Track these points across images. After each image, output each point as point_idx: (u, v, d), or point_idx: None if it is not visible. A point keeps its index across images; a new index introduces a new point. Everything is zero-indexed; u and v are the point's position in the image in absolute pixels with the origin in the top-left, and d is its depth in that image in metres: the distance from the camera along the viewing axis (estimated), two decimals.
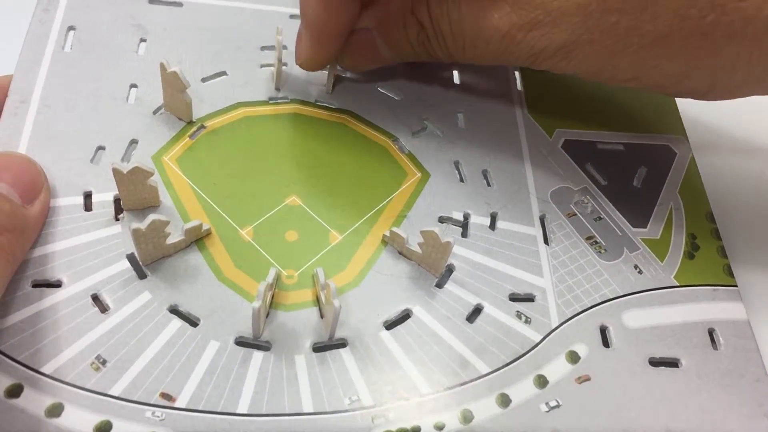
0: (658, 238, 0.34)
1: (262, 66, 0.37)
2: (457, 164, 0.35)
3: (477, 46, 0.32)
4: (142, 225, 0.28)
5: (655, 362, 0.30)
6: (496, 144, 0.36)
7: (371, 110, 0.37)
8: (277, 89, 0.36)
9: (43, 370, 0.27)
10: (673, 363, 0.30)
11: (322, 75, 0.37)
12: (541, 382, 0.29)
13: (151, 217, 0.28)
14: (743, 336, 0.31)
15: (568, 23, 0.29)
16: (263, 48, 0.37)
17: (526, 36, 0.30)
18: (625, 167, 0.37)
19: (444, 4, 0.32)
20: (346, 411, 0.28)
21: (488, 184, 0.35)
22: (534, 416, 0.28)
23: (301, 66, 0.35)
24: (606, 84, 0.32)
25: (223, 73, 0.36)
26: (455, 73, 0.39)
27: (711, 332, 0.32)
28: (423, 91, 0.38)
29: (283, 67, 0.37)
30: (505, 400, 0.29)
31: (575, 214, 0.34)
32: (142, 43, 0.36)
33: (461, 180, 0.35)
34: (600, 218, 0.34)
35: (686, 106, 0.39)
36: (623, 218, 0.35)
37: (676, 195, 0.36)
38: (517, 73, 0.40)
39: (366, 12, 0.34)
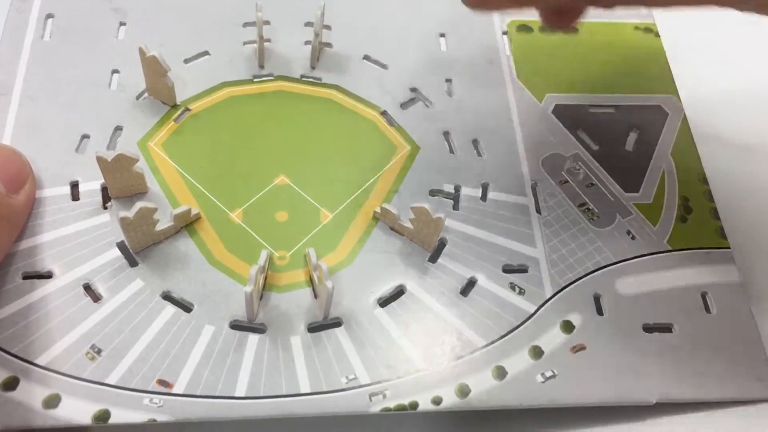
0: (651, 202, 0.34)
1: (245, 43, 0.36)
2: (447, 135, 0.35)
3: None
4: (130, 213, 0.28)
5: (648, 328, 0.30)
6: (486, 112, 0.36)
7: (358, 83, 0.36)
8: (261, 66, 0.36)
9: (38, 361, 0.27)
10: (666, 328, 0.31)
11: (306, 49, 0.36)
12: (537, 352, 0.29)
13: (139, 204, 0.28)
14: (736, 299, 0.31)
15: None
16: (245, 24, 0.37)
17: None
18: (617, 131, 0.36)
19: None
20: (343, 390, 0.28)
21: (479, 154, 0.34)
22: (530, 387, 0.28)
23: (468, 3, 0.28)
24: None
25: (206, 53, 0.36)
26: (442, 41, 0.38)
27: (704, 296, 0.31)
28: (411, 60, 0.37)
29: (266, 44, 0.36)
30: (501, 373, 0.29)
31: (567, 182, 0.34)
32: (122, 27, 0.36)
33: (451, 151, 0.34)
34: (592, 184, 0.34)
35: (677, 65, 0.39)
36: (615, 183, 0.34)
37: (669, 157, 0.36)
38: (505, 38, 0.39)
39: None
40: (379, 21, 0.38)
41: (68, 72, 0.34)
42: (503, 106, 0.36)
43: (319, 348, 0.28)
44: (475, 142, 0.35)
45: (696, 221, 0.34)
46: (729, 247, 0.33)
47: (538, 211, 0.33)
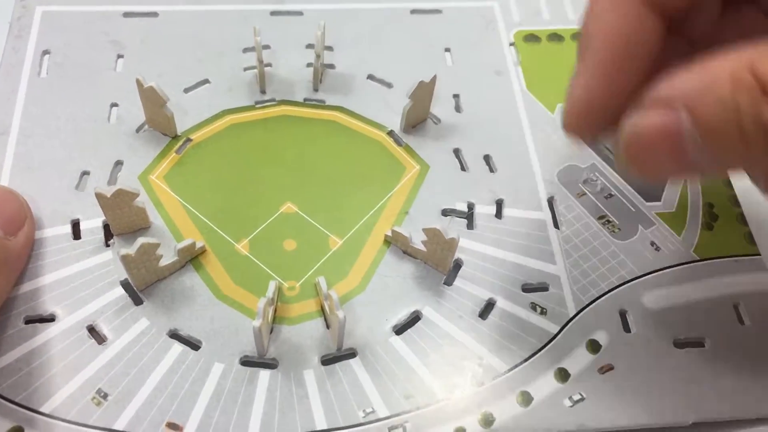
0: (674, 210, 0.32)
1: (246, 69, 0.35)
2: (457, 152, 0.34)
3: None
4: (131, 250, 0.27)
5: (679, 343, 0.29)
6: (496, 126, 0.35)
7: (362, 103, 0.35)
8: (263, 91, 0.35)
9: (43, 409, 0.26)
10: (698, 343, 0.29)
11: (308, 71, 0.36)
12: (563, 375, 0.28)
13: (140, 240, 0.27)
14: None
15: None
16: (245, 50, 0.36)
17: None
18: None
19: None
20: (361, 424, 0.26)
21: (491, 170, 0.33)
22: (558, 412, 0.27)
23: (566, 127, 0.23)
24: None
25: (206, 81, 0.35)
26: (447, 56, 0.37)
27: (736, 307, 0.30)
28: (415, 76, 0.36)
29: (267, 68, 0.35)
30: (526, 398, 0.27)
31: (585, 194, 0.33)
32: (120, 60, 0.35)
33: (463, 168, 0.33)
34: (611, 195, 0.33)
35: None
36: (635, 193, 0.33)
37: None
38: (512, 49, 0.38)
39: (670, 77, 0.20)
40: (381, 39, 0.37)
41: (66, 108, 0.33)
42: (514, 119, 0.35)
43: (334, 381, 0.27)
44: (486, 157, 0.34)
45: (723, 228, 0.32)
46: (759, 254, 0.31)
47: (556, 226, 0.32)
